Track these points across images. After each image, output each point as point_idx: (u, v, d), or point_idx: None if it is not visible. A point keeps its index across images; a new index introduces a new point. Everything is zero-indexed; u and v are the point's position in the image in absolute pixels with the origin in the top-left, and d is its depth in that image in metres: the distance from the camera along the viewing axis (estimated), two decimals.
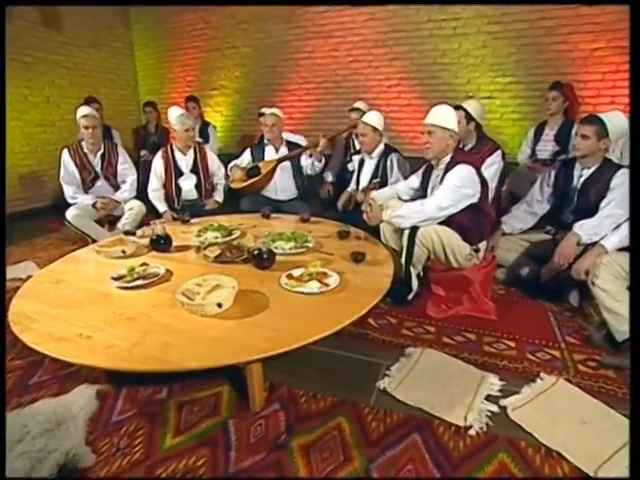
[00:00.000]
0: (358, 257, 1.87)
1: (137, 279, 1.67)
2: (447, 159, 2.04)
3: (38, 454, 1.12)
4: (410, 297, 2.14)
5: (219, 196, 3.13)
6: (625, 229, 1.82)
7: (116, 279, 1.67)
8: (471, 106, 2.69)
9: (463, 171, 1.92)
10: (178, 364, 1.15)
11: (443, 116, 2.02)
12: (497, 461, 1.19)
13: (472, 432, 1.29)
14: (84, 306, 1.50)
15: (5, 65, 3.65)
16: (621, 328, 1.70)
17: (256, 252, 1.81)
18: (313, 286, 1.59)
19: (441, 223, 1.99)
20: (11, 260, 2.83)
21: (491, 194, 2.68)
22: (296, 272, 1.69)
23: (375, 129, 2.68)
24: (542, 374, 1.60)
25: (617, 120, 1.99)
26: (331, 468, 1.15)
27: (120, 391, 1.47)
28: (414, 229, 1.95)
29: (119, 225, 2.83)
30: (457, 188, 1.91)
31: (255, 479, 1.11)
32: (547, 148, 3.03)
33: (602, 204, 2.00)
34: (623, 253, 1.81)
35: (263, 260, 1.80)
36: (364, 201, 2.19)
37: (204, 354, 1.19)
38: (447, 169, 2.00)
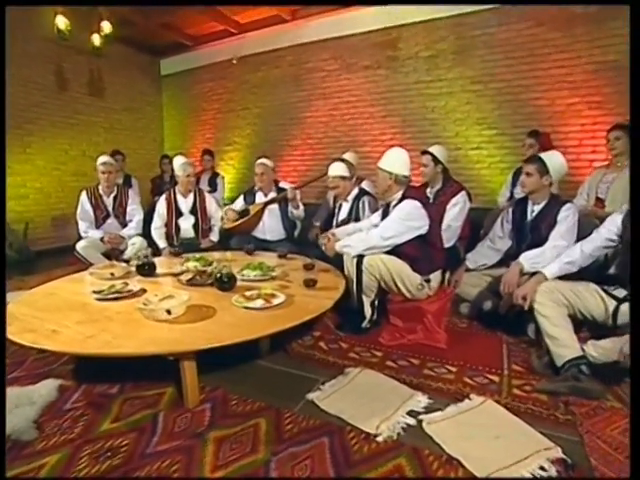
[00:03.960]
0: (309, 283, 2.07)
1: (113, 293, 1.94)
2: (399, 195, 2.25)
3: None
4: (365, 325, 2.25)
5: (214, 236, 3.46)
6: (565, 258, 1.91)
7: (96, 292, 1.95)
8: (437, 150, 2.93)
9: (407, 205, 2.12)
10: (109, 349, 1.36)
11: (385, 159, 2.28)
12: (393, 464, 1.25)
13: (380, 439, 1.37)
14: (62, 311, 1.78)
15: (5, 65, 3.91)
16: (560, 352, 1.73)
17: (218, 276, 2.05)
18: (257, 303, 1.79)
19: (391, 253, 2.16)
20: (27, 286, 3.21)
21: (457, 232, 2.84)
22: (249, 293, 1.90)
23: (343, 177, 2.90)
24: (472, 395, 1.64)
25: (555, 159, 2.19)
26: (235, 456, 1.27)
27: (80, 386, 1.68)
28: (360, 257, 2.12)
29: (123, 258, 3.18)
30: (401, 220, 2.10)
31: (260, 479, 1.21)
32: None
33: (550, 236, 2.12)
34: (565, 281, 1.89)
35: (224, 283, 2.03)
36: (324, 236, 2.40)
37: (139, 345, 1.41)
38: (398, 204, 2.21)
